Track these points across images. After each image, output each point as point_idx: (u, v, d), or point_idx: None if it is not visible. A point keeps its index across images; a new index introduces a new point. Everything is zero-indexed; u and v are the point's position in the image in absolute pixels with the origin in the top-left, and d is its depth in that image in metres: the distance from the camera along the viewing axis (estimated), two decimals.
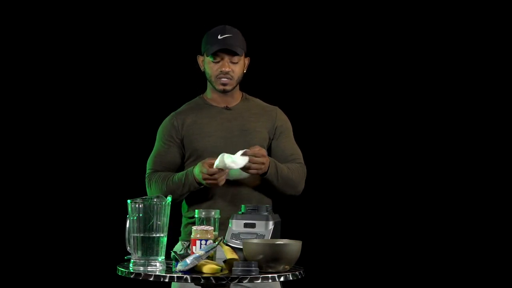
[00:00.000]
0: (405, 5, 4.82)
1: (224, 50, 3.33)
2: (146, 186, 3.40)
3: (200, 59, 3.45)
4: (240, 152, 3.17)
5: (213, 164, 3.16)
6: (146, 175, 3.41)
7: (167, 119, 3.48)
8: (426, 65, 4.84)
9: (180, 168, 3.42)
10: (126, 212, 2.87)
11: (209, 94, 3.47)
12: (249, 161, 3.17)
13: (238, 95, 3.48)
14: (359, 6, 4.85)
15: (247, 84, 3.52)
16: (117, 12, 4.84)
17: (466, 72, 4.81)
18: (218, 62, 3.36)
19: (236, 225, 3.02)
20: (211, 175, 3.17)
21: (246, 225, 3.00)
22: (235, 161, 3.15)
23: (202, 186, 3.26)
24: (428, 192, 4.83)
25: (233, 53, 3.34)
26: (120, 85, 4.85)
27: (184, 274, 2.73)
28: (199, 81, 3.54)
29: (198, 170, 3.21)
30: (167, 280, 2.72)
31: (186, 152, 3.41)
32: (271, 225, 3.00)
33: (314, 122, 4.82)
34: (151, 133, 3.52)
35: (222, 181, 3.20)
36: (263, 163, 3.20)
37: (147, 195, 3.32)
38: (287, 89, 4.81)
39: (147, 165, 3.42)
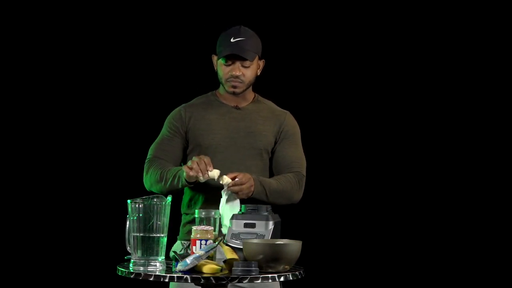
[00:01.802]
0: (416, 10, 4.81)
1: (235, 55, 3.32)
2: (144, 170, 3.38)
3: (214, 58, 3.43)
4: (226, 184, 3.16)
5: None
6: (147, 160, 3.40)
7: (176, 109, 3.48)
8: (435, 70, 4.84)
9: (181, 159, 3.42)
10: (126, 212, 2.87)
11: (222, 90, 3.46)
12: (236, 190, 3.15)
13: (250, 96, 3.47)
14: (376, 12, 4.84)
15: (260, 85, 3.51)
16: (134, 7, 4.83)
17: (466, 72, 4.82)
18: (230, 65, 3.34)
19: (236, 225, 3.02)
20: (199, 162, 3.12)
21: (246, 225, 3.00)
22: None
23: (189, 185, 3.23)
24: (428, 192, 4.83)
25: (243, 59, 3.33)
26: (122, 85, 4.85)
27: (184, 274, 2.73)
28: (208, 79, 3.53)
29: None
30: (167, 280, 2.72)
31: (190, 145, 3.41)
32: (271, 225, 3.00)
33: (318, 122, 4.81)
34: (153, 132, 3.52)
35: (203, 172, 3.13)
36: (251, 185, 3.19)
37: (146, 189, 3.34)
38: (299, 92, 4.81)
39: (149, 151, 3.42)
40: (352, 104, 4.89)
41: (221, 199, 3.16)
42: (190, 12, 4.84)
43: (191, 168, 3.12)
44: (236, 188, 3.15)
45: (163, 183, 3.27)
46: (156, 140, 3.44)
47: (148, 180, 3.35)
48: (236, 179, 3.15)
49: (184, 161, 3.42)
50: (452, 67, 4.83)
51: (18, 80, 4.82)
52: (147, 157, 3.41)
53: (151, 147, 3.43)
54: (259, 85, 3.50)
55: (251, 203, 3.18)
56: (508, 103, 4.79)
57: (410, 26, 4.83)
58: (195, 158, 3.13)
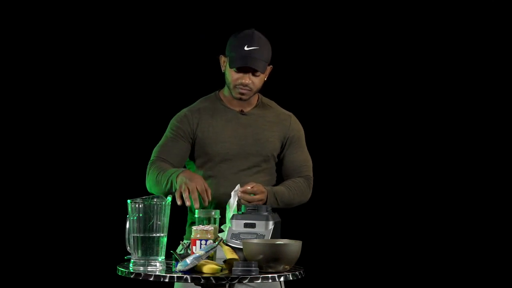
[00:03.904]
0: (417, 10, 4.82)
1: (248, 68, 3.28)
2: (146, 172, 3.35)
3: (222, 59, 3.38)
4: (234, 193, 3.14)
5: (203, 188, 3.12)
6: (150, 161, 3.37)
7: (182, 112, 3.43)
8: (437, 70, 4.84)
9: (185, 161, 3.40)
10: (126, 212, 2.87)
11: (226, 92, 3.42)
12: (248, 199, 3.15)
13: (254, 98, 3.44)
14: (380, 15, 4.84)
15: (264, 87, 3.50)
16: (136, 8, 4.83)
17: (466, 72, 4.82)
18: (240, 73, 3.30)
19: (236, 225, 3.02)
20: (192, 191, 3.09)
21: (246, 225, 3.01)
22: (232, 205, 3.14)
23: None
24: (428, 193, 4.83)
25: (256, 70, 3.29)
26: (123, 85, 4.85)
27: (184, 274, 2.73)
28: (208, 80, 3.52)
29: (181, 180, 3.13)
30: (167, 280, 2.72)
31: (196, 152, 3.39)
32: (271, 225, 3.00)
33: (317, 122, 4.81)
34: (152, 133, 3.51)
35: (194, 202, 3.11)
36: (261, 199, 3.19)
37: (146, 190, 3.34)
38: (301, 92, 4.81)
39: (153, 152, 3.38)
40: (351, 106, 4.89)
41: (230, 199, 3.15)
42: (193, 12, 4.84)
43: (180, 196, 3.08)
44: (248, 197, 3.15)
45: (159, 186, 3.25)
46: (159, 143, 3.41)
47: (148, 182, 3.34)
48: (248, 187, 3.15)
49: (188, 161, 3.42)
50: (457, 69, 4.83)
51: (19, 80, 4.82)
52: (150, 159, 3.39)
53: (154, 149, 3.40)
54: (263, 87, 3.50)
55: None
56: (508, 103, 4.79)
57: (415, 30, 4.83)
58: (184, 181, 3.09)
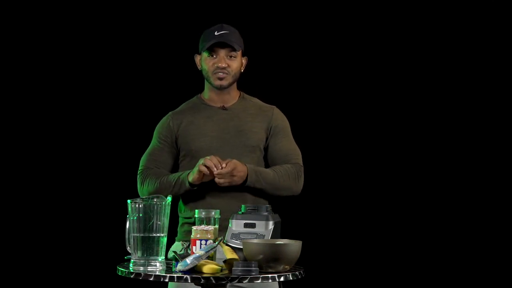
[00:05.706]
0: (404, 4, 4.82)
1: (221, 44, 3.34)
2: (138, 182, 3.40)
3: (197, 58, 3.46)
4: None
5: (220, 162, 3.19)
6: (139, 171, 3.41)
7: (164, 118, 3.50)
8: (425, 64, 4.84)
9: (173, 168, 3.44)
10: (126, 212, 2.87)
11: (206, 94, 3.48)
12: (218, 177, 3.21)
13: (235, 94, 3.49)
14: (357, 4, 4.85)
15: (245, 83, 3.53)
16: (116, 11, 4.84)
17: (466, 72, 4.81)
18: (215, 57, 3.37)
19: (236, 225, 3.02)
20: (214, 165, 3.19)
21: (246, 225, 3.01)
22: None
23: (194, 188, 3.27)
24: (428, 192, 4.83)
25: (230, 47, 3.35)
26: (119, 85, 4.85)
27: (184, 274, 2.73)
28: (197, 81, 3.55)
29: (196, 168, 3.22)
30: (167, 280, 2.72)
31: (181, 152, 3.42)
32: (271, 225, 3.00)
33: (313, 121, 4.82)
34: (151, 133, 3.52)
35: (216, 166, 3.19)
36: (233, 175, 3.21)
37: (137, 192, 3.36)
38: (286, 88, 4.81)
39: (141, 162, 3.44)
40: (343, 100, 4.88)
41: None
42: (178, 14, 4.84)
43: (206, 166, 3.18)
44: (224, 180, 3.19)
45: (163, 191, 3.27)
46: (146, 151, 3.46)
47: (146, 191, 3.36)
48: (223, 169, 3.19)
49: (175, 170, 3.43)
50: (450, 67, 4.83)
51: (16, 81, 4.82)
52: (139, 168, 3.42)
53: (142, 158, 3.45)
54: (244, 83, 3.51)
55: (253, 202, 3.23)
56: (508, 103, 4.79)
57: (398, 17, 4.83)
58: (203, 160, 3.19)
